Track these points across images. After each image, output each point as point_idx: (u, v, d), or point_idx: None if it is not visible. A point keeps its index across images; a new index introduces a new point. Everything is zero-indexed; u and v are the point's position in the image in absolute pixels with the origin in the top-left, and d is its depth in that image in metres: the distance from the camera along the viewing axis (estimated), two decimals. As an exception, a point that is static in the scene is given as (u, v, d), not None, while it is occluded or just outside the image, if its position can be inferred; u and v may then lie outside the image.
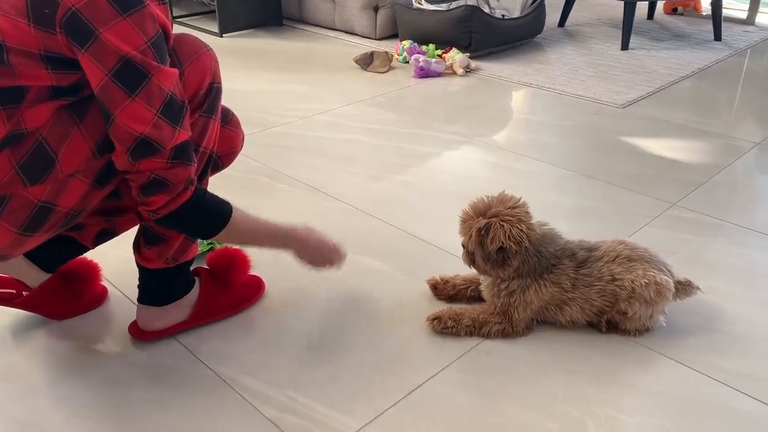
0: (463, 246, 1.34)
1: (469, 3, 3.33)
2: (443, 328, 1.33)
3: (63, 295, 1.33)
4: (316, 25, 3.81)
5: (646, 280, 1.27)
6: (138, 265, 1.25)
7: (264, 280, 1.47)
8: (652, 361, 1.27)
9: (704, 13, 4.11)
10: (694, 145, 2.28)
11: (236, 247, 1.46)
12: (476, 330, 1.33)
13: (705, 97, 2.79)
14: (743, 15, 4.03)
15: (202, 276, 1.36)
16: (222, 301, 1.36)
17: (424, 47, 3.14)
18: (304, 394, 1.18)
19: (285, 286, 1.48)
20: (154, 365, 1.24)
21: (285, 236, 1.29)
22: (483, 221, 1.27)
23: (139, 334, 1.30)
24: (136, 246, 1.23)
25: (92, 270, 1.40)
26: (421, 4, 3.30)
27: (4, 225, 1.02)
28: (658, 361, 1.27)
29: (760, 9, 3.99)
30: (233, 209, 1.17)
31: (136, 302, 1.29)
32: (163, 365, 1.24)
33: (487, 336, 1.33)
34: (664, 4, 4.20)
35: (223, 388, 1.19)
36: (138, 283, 1.28)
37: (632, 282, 1.27)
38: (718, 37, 3.59)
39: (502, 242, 1.24)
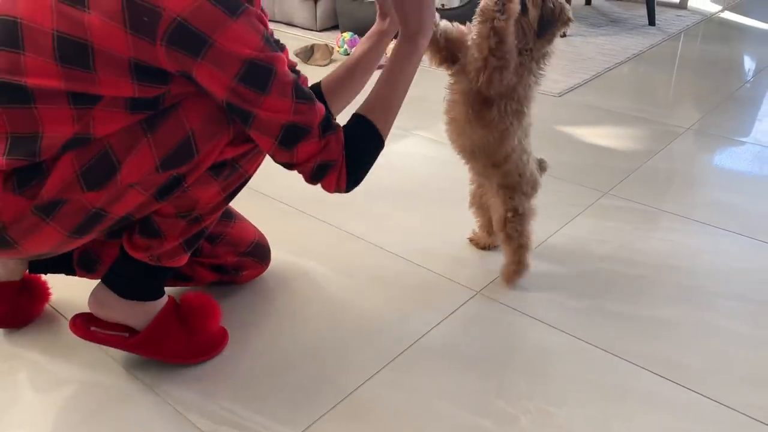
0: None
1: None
2: None
3: (10, 306, 1.30)
4: (256, 18, 3.75)
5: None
6: (121, 249, 1.18)
7: (227, 333, 1.32)
8: (580, 351, 1.31)
9: (640, -2, 4.21)
10: (628, 131, 2.34)
11: (207, 294, 1.31)
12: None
13: (640, 82, 2.86)
14: (676, -1, 4.14)
15: (168, 304, 1.25)
16: (173, 341, 1.23)
17: (364, 39, 3.13)
18: (239, 404, 1.17)
19: (218, 291, 1.46)
20: (82, 378, 1.22)
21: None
22: None
23: (77, 328, 1.20)
24: (129, 230, 1.16)
25: (43, 292, 1.37)
26: (360, -5, 3.28)
27: (55, 227, 1.01)
28: (586, 350, 1.31)
29: (693, -7, 4.11)
30: (363, 115, 1.15)
31: (99, 281, 1.21)
32: (92, 378, 1.22)
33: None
34: (602, -11, 4.28)
35: (155, 400, 1.18)
36: (110, 265, 1.20)
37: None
38: (652, 21, 3.68)
39: (570, 19, 1.27)
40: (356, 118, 1.15)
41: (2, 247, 1.04)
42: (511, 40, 1.25)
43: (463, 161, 1.46)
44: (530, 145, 1.45)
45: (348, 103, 1.37)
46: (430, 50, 1.36)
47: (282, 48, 1.26)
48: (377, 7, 1.31)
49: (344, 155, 1.10)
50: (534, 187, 1.46)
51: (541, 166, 1.51)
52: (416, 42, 1.17)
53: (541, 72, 1.35)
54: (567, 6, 1.28)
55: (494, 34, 1.22)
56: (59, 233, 1.02)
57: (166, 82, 0.98)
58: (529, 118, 1.40)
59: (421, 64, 1.23)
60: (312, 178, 1.11)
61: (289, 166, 1.10)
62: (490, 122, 1.33)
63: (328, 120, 1.08)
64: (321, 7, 3.50)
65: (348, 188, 1.14)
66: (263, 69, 0.98)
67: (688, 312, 1.42)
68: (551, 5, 1.26)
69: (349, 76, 1.34)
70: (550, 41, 1.31)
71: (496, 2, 1.22)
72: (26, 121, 0.96)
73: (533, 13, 1.25)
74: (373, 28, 1.33)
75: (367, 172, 1.16)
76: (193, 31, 0.92)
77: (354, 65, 1.34)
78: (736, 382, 1.23)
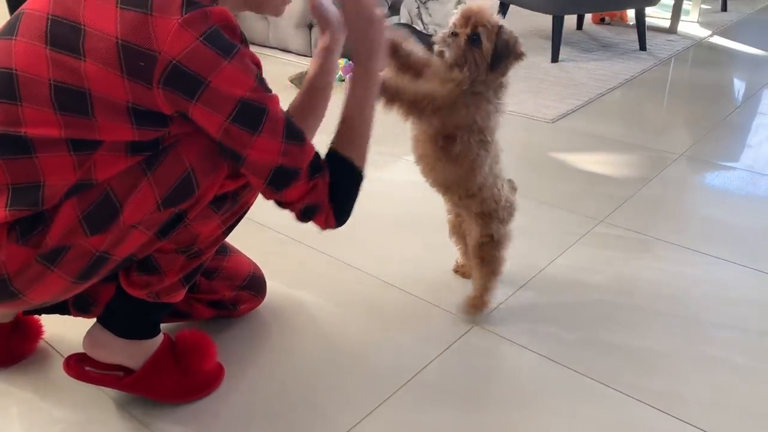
0: (456, 35, 1.28)
1: (402, 21, 3.35)
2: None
3: (2, 346, 1.29)
4: (251, 44, 3.77)
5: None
6: (118, 287, 1.17)
7: (224, 369, 1.31)
8: (578, 384, 1.30)
9: (630, 23, 4.25)
10: (622, 158, 2.35)
11: (202, 331, 1.30)
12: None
13: (632, 108, 2.88)
14: (666, 24, 4.18)
15: (164, 343, 1.23)
16: (168, 380, 1.22)
17: (358, 65, 3.15)
18: (235, 443, 1.16)
19: (213, 325, 1.45)
20: (76, 415, 1.20)
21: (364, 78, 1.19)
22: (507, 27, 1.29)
23: (71, 369, 1.19)
24: (125, 268, 1.14)
25: (36, 330, 1.35)
26: (354, 22, 3.31)
27: (59, 274, 1.01)
28: (583, 383, 1.30)
29: (682, 18, 4.15)
30: (338, 153, 1.15)
31: (94, 321, 1.20)
32: (86, 416, 1.20)
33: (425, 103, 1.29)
34: (593, 14, 4.33)
35: (151, 441, 1.16)
36: (107, 305, 1.19)
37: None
38: (643, 46, 3.72)
39: (523, 54, 1.30)
40: (332, 157, 1.14)
41: (7, 299, 1.03)
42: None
43: (440, 194, 1.46)
44: (501, 170, 1.45)
45: (317, 126, 1.31)
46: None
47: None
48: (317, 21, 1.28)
49: (329, 198, 1.11)
50: (510, 212, 1.47)
51: (512, 186, 1.52)
52: (368, 68, 1.18)
53: (498, 102, 1.35)
54: (520, 40, 1.30)
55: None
56: (64, 280, 1.02)
57: (166, 124, 0.98)
58: (497, 145, 1.41)
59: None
60: (302, 217, 1.13)
61: (279, 204, 1.12)
62: (456, 157, 1.34)
63: (317, 161, 1.09)
64: (316, 34, 3.53)
65: (338, 225, 1.16)
66: (256, 109, 0.99)
67: (684, 343, 1.42)
68: (505, 38, 1.27)
69: (309, 101, 1.29)
70: (503, 74, 1.32)
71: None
72: (27, 171, 0.96)
73: (487, 45, 1.26)
74: (319, 45, 1.28)
75: (352, 208, 1.17)
76: (189, 73, 0.93)
77: (310, 89, 1.28)
78: (736, 416, 1.23)
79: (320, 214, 1.12)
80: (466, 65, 1.28)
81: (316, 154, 1.10)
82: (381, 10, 1.18)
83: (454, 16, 1.30)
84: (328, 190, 1.11)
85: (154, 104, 0.95)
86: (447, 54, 1.28)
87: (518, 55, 1.29)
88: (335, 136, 1.17)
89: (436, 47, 1.31)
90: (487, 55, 1.26)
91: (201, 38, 0.93)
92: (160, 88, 0.93)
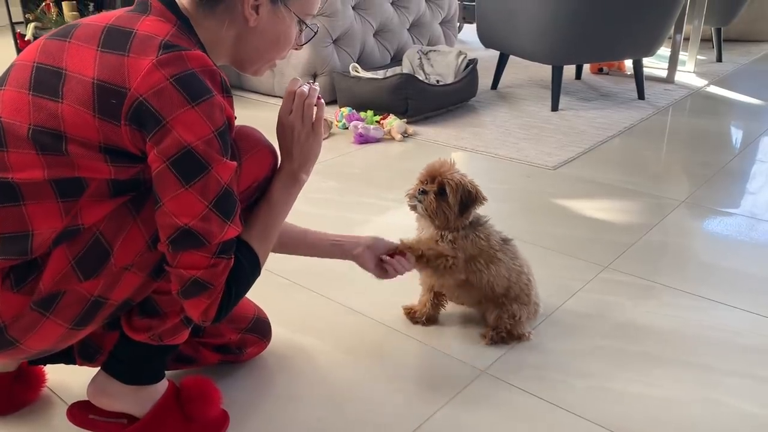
0: (425, 192, 1.48)
1: (404, 71, 3.42)
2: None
3: (4, 394, 1.27)
4: (256, 92, 3.84)
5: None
6: (120, 332, 1.16)
7: (228, 416, 1.29)
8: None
9: (628, 73, 4.33)
10: (624, 205, 2.37)
11: (207, 378, 1.28)
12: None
13: (632, 156, 2.91)
14: (663, 74, 4.26)
15: (168, 390, 1.22)
16: (172, 428, 1.20)
17: (362, 114, 3.20)
18: (240, 493, 1.13)
19: (217, 371, 1.43)
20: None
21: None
22: (467, 177, 1.48)
23: (74, 417, 1.20)
24: (127, 313, 1.14)
25: (39, 379, 1.34)
26: (358, 72, 3.38)
27: (56, 321, 1.00)
28: (596, 433, 1.28)
29: (678, 68, 4.23)
30: (249, 244, 1.10)
31: (99, 368, 1.19)
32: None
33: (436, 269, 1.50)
34: (591, 64, 4.41)
35: (154, 491, 1.14)
36: (110, 351, 1.18)
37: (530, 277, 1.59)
38: (641, 95, 3.78)
39: (485, 198, 1.49)
40: (242, 246, 1.09)
41: (4, 348, 1.02)
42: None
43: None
44: (523, 264, 1.57)
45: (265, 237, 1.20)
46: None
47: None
48: None
49: (225, 286, 1.04)
50: (528, 294, 1.57)
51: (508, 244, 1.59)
52: (298, 176, 1.19)
53: (481, 236, 1.50)
54: (479, 187, 1.49)
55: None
56: (60, 326, 1.01)
57: (140, 160, 0.98)
58: (501, 250, 1.52)
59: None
60: (181, 290, 1.02)
61: (166, 262, 1.03)
62: (473, 284, 1.52)
63: (232, 244, 1.04)
64: (319, 83, 3.59)
65: (215, 321, 1.06)
66: (198, 162, 0.95)
67: (694, 390, 1.40)
68: (468, 189, 1.46)
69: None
70: (468, 217, 1.49)
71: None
72: (15, 220, 0.97)
73: (452, 198, 1.45)
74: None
75: (235, 305, 1.09)
76: (151, 111, 0.93)
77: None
78: (748, 466, 1.21)
79: (205, 297, 1.02)
80: (437, 216, 1.46)
81: (235, 239, 1.05)
82: (321, 127, 1.20)
83: (420, 174, 1.50)
84: (228, 276, 1.04)
85: (122, 142, 0.96)
86: (419, 208, 1.49)
87: (481, 201, 1.49)
88: (248, 228, 1.12)
89: (407, 202, 1.51)
90: (453, 205, 1.45)
91: (171, 79, 0.93)
92: (127, 125, 0.94)
